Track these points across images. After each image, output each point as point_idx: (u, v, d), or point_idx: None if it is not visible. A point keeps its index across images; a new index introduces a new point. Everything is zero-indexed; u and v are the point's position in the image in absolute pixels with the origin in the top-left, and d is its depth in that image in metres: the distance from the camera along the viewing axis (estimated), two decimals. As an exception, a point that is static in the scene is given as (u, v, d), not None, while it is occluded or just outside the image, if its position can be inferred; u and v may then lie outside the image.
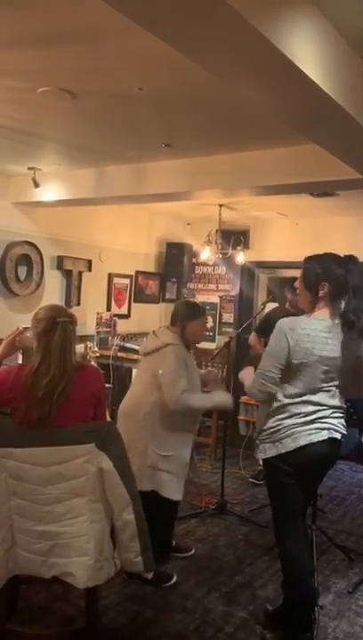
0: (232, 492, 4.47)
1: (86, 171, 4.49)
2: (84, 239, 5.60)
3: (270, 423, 2.39)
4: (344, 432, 2.43)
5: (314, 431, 2.34)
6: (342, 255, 2.44)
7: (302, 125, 2.56)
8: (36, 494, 2.07)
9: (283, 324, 2.36)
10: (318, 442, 2.33)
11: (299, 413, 2.34)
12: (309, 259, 2.47)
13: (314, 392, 2.35)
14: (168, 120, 3.22)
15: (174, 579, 3.04)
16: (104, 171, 4.43)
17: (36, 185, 4.41)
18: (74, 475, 2.06)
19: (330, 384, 2.38)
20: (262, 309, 4.85)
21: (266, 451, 2.41)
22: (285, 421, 2.35)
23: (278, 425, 2.36)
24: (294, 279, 2.56)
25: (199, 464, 5.04)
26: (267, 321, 4.54)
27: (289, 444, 2.33)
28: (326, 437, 2.34)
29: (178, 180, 4.06)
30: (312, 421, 2.34)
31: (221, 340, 5.32)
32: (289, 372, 2.34)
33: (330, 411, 2.38)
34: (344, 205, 5.05)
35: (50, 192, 4.65)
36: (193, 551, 3.39)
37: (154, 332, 3.17)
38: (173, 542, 3.37)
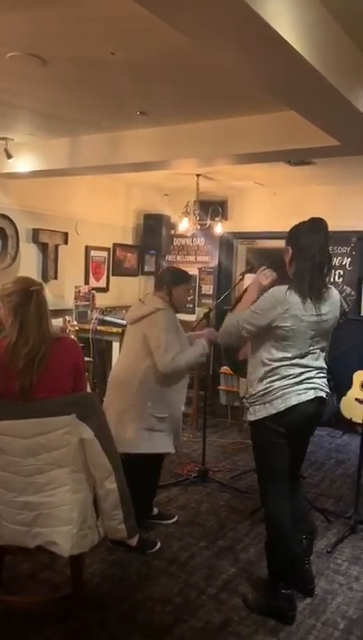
0: (213, 459, 4.54)
1: (60, 140, 4.39)
2: (59, 211, 5.51)
3: (261, 386, 2.47)
4: (328, 391, 2.55)
5: (302, 391, 2.44)
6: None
7: (278, 91, 2.52)
8: (18, 466, 2.08)
9: (273, 292, 2.43)
10: (307, 401, 2.44)
11: (288, 375, 2.44)
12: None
13: (303, 356, 2.46)
14: (143, 87, 3.15)
15: (158, 545, 3.10)
16: (79, 140, 4.33)
17: (9, 156, 4.30)
18: (55, 446, 2.07)
19: (316, 347, 2.49)
20: (241, 280, 4.86)
21: (256, 412, 2.49)
22: (275, 383, 2.44)
23: (268, 387, 2.45)
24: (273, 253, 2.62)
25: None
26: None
27: (279, 405, 2.42)
28: (312, 397, 2.46)
29: (154, 148, 4.00)
30: (301, 382, 2.45)
31: (200, 312, 5.34)
32: (279, 338, 2.42)
33: (315, 371, 2.50)
34: (321, 174, 5.05)
35: (23, 163, 4.54)
36: (176, 518, 3.46)
37: (140, 299, 3.22)
38: (156, 510, 3.44)
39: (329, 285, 2.53)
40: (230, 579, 2.85)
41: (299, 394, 2.43)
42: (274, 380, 2.44)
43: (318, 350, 2.50)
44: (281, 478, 2.54)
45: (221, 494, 3.89)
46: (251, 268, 5.13)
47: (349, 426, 5.21)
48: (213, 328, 3.41)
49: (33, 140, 4.42)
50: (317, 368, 2.50)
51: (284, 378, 2.43)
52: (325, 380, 2.56)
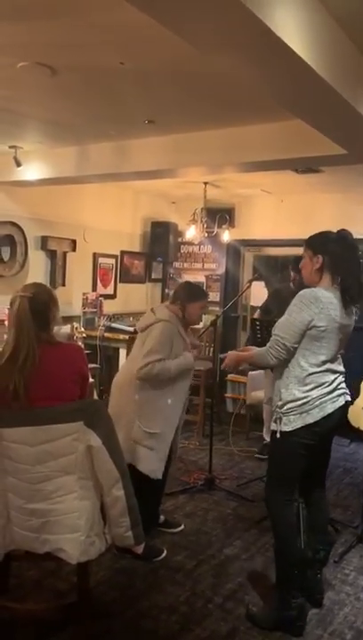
0: (220, 467, 4.53)
1: (69, 149, 4.42)
2: (68, 219, 5.55)
3: (298, 394, 2.42)
4: (349, 392, 2.61)
5: (336, 398, 2.49)
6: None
7: (286, 100, 2.54)
8: (26, 473, 2.08)
9: (306, 293, 2.44)
10: (340, 407, 2.50)
11: (324, 383, 2.45)
12: (310, 237, 2.59)
13: (333, 360, 2.49)
14: (151, 96, 3.18)
15: (164, 553, 3.09)
16: (87, 148, 4.37)
17: (18, 164, 4.33)
18: (63, 453, 2.07)
19: (339, 351, 2.55)
20: (248, 287, 4.87)
21: (291, 422, 2.43)
22: (312, 392, 2.42)
23: (306, 397, 2.42)
24: (292, 258, 2.67)
25: (187, 441, 5.09)
26: (267, 300, 4.70)
27: (317, 414, 2.42)
28: (343, 402, 2.52)
29: (162, 157, 4.02)
30: (335, 389, 2.49)
31: (207, 319, 5.36)
32: (312, 339, 2.43)
33: (341, 376, 2.56)
34: (328, 182, 5.05)
35: (32, 171, 4.58)
36: (182, 526, 3.44)
37: (152, 309, 3.24)
38: (163, 518, 3.43)
39: None
40: (237, 588, 2.83)
41: (334, 402, 2.47)
42: (311, 389, 2.42)
43: (339, 355, 2.57)
44: (293, 485, 2.58)
45: (227, 502, 3.87)
46: (258, 276, 5.15)
47: (356, 435, 5.17)
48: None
49: (42, 148, 4.46)
50: (341, 372, 2.57)
51: (320, 386, 2.43)
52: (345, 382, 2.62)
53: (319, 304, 2.39)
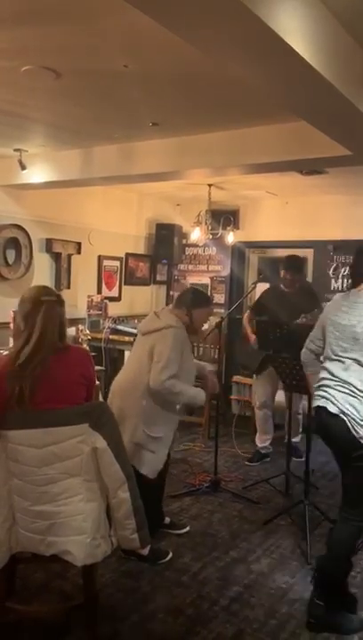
0: (226, 469, 4.52)
1: (73, 151, 4.44)
2: (72, 221, 5.57)
3: None
4: (345, 410, 2.35)
5: (317, 397, 2.53)
6: None
7: (289, 101, 2.54)
8: (32, 475, 2.09)
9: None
10: (316, 407, 2.53)
11: (319, 379, 2.58)
12: None
13: (330, 359, 2.52)
14: (155, 98, 3.18)
15: (170, 555, 3.09)
16: (91, 151, 4.39)
17: (23, 167, 4.35)
18: (68, 455, 2.07)
19: (345, 355, 2.44)
20: (253, 289, 4.87)
21: None
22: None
23: None
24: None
25: (192, 443, 5.09)
26: (260, 298, 4.84)
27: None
28: (320, 405, 2.48)
29: (166, 159, 4.03)
30: (318, 387, 2.54)
31: (212, 321, 5.36)
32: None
33: (335, 382, 2.44)
34: (333, 183, 5.04)
35: (37, 174, 4.60)
36: (188, 528, 3.44)
37: (155, 312, 3.21)
38: (168, 519, 3.43)
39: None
40: (242, 590, 2.83)
41: (315, 399, 2.53)
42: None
43: (348, 360, 2.41)
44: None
45: (233, 504, 3.87)
46: (263, 278, 5.15)
47: None
48: (216, 381, 3.50)
49: (46, 151, 4.48)
50: (340, 380, 2.41)
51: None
52: (348, 397, 2.36)
53: (328, 304, 2.62)
